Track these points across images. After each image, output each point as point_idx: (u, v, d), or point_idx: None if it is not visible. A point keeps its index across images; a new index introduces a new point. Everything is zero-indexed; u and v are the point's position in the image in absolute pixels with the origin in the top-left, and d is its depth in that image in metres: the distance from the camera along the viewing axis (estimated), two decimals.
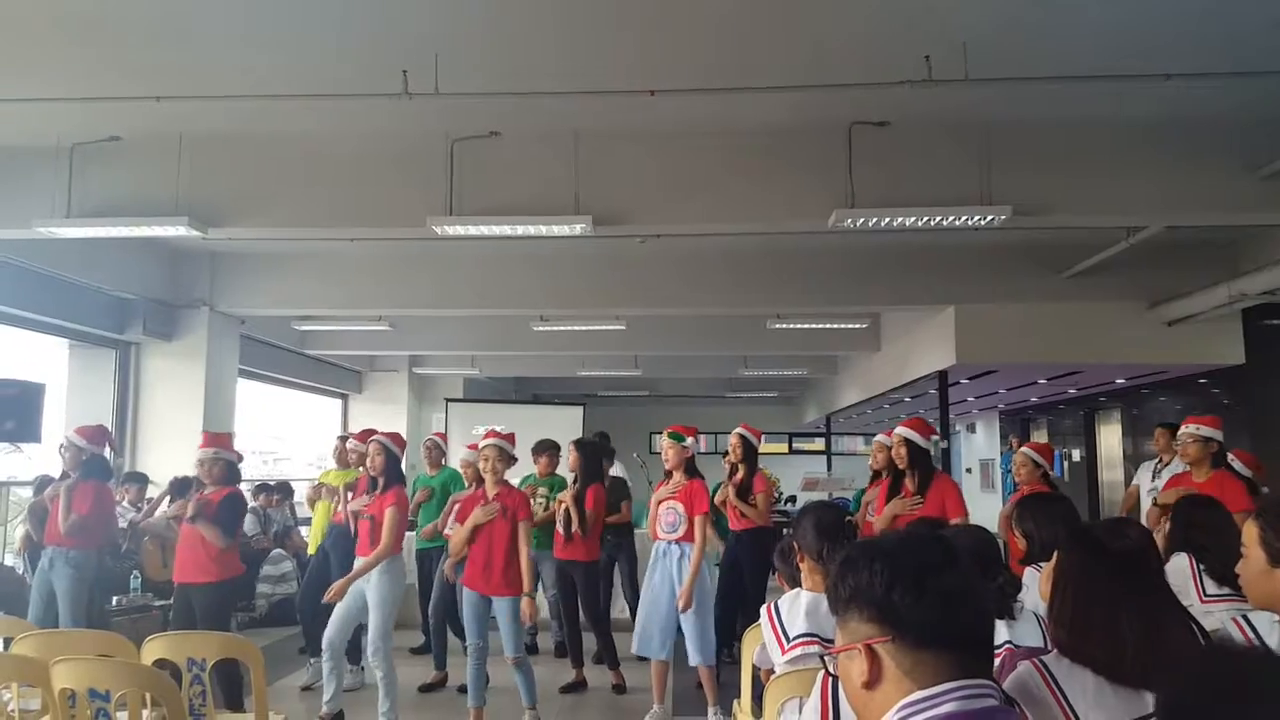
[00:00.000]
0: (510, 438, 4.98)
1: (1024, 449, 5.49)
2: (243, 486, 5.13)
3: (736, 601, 5.81)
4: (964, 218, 5.42)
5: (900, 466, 4.87)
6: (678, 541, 4.92)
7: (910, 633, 1.17)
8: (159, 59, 4.82)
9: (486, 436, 4.89)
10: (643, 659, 6.38)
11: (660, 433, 5.44)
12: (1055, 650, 1.67)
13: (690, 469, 5.05)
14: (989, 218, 5.40)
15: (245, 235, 6.86)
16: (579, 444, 5.96)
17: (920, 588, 1.18)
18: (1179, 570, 3.06)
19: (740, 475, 5.84)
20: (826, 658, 1.29)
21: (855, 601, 1.22)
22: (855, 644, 1.21)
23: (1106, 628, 1.63)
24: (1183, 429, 4.77)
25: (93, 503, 5.39)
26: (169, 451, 8.22)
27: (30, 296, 7.10)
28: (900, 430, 4.89)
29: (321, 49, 4.76)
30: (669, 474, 5.12)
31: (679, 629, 4.93)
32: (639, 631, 5.00)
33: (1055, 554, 1.85)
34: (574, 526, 5.56)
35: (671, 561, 4.92)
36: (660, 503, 5.03)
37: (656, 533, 5.01)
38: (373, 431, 5.28)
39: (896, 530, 1.18)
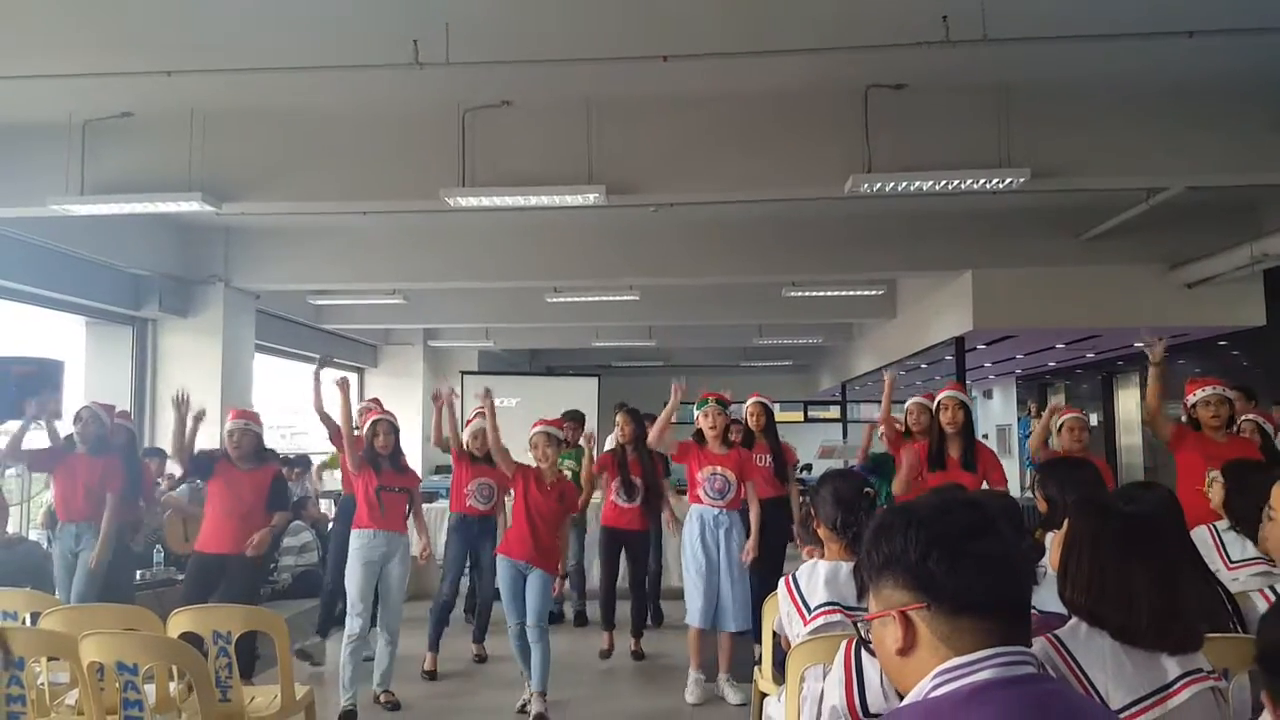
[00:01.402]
0: (558, 423, 5.04)
1: (1076, 414, 5.42)
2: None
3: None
4: (982, 181, 5.34)
5: (952, 431, 4.83)
6: (725, 509, 4.93)
7: (946, 600, 1.15)
8: (169, 33, 4.79)
9: (535, 425, 4.92)
10: (659, 626, 6.48)
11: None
12: (1072, 620, 1.66)
13: (726, 437, 5.09)
14: (1008, 180, 5.33)
15: (259, 210, 6.86)
16: (632, 412, 5.92)
17: (956, 554, 1.16)
18: (1201, 542, 3.04)
19: (762, 445, 5.82)
20: (860, 623, 1.27)
21: (890, 568, 1.20)
22: (890, 611, 1.19)
23: (1120, 589, 1.62)
24: (1211, 390, 4.57)
25: (126, 477, 5.51)
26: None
27: (46, 274, 7.14)
28: (955, 394, 4.86)
29: (331, 20, 4.71)
30: (700, 439, 5.09)
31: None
32: (699, 604, 4.91)
33: (1065, 521, 1.83)
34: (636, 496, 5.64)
35: (721, 531, 4.90)
36: (702, 467, 4.98)
37: (701, 498, 4.96)
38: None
39: (932, 494, 1.16)
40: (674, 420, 5.17)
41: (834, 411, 18.44)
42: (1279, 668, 1.33)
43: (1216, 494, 3.20)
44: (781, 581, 2.56)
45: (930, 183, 5.36)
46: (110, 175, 5.85)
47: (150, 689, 2.99)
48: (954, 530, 1.18)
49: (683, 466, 5.23)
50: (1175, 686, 1.54)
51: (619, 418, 5.91)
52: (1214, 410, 4.56)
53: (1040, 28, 4.67)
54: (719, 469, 4.95)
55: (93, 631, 2.96)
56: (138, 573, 6.29)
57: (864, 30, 4.77)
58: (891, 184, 5.37)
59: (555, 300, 10.27)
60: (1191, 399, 4.65)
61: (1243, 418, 5.28)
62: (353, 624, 4.69)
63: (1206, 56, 5.02)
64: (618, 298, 10.14)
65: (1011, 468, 14.01)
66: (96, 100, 5.63)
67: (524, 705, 4.70)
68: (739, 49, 4.90)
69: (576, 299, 10.26)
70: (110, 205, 5.84)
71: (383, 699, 4.80)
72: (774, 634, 2.86)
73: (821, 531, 2.59)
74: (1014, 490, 5.58)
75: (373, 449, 4.87)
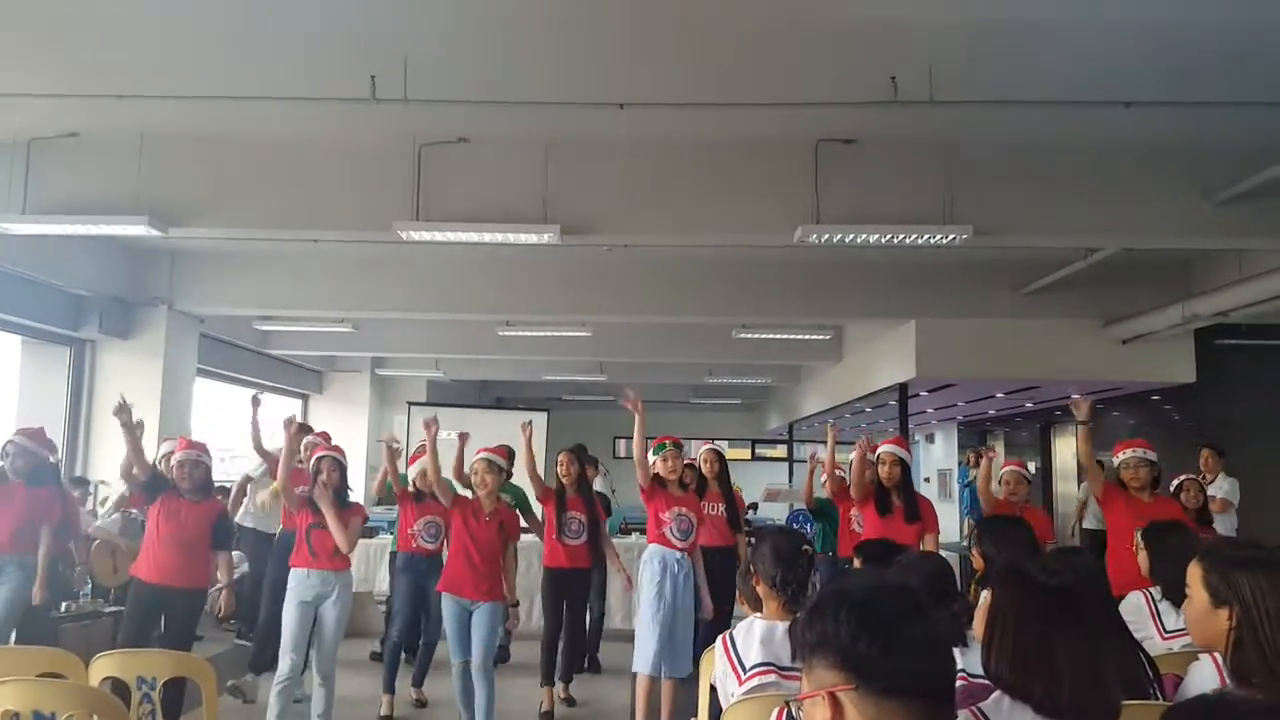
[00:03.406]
0: (501, 451, 4.92)
1: (1015, 467, 5.53)
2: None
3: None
4: (926, 237, 5.49)
5: (890, 485, 4.91)
6: (686, 553, 4.89)
7: (875, 682, 1.17)
8: (122, 56, 4.75)
9: (478, 452, 4.86)
10: (595, 672, 6.32)
11: (623, 437, 5.43)
12: (995, 692, 1.68)
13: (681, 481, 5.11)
14: (950, 237, 5.48)
15: (207, 235, 6.75)
16: (574, 451, 5.88)
17: (887, 638, 1.18)
18: (1137, 608, 3.10)
19: (715, 493, 5.84)
20: (791, 702, 1.29)
21: (821, 649, 1.22)
22: (819, 691, 1.21)
23: (1042, 662, 1.63)
24: (1130, 453, 4.68)
25: (64, 508, 5.35)
26: (122, 452, 8.02)
27: None
28: (893, 449, 4.95)
29: (289, 51, 4.70)
30: (660, 482, 5.01)
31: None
32: (660, 650, 4.76)
33: (989, 591, 1.83)
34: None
35: (682, 575, 4.86)
36: (669, 507, 4.94)
37: (667, 538, 4.88)
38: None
39: (863, 574, 1.17)
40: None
41: (781, 450, 18.64)
42: None
43: (1143, 561, 3.28)
44: (719, 639, 2.57)
45: (876, 236, 5.48)
46: (55, 195, 5.72)
47: None
48: (884, 614, 1.21)
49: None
50: None
51: (561, 456, 5.82)
52: (1134, 472, 4.65)
53: (984, 92, 4.86)
54: (682, 510, 4.94)
55: (9, 679, 2.80)
56: (62, 604, 6.05)
57: (816, 87, 4.91)
58: (839, 236, 5.47)
59: (507, 333, 10.24)
60: (1117, 460, 4.75)
61: (1183, 477, 5.43)
62: (284, 664, 4.54)
63: (1143, 125, 5.25)
64: (570, 333, 10.16)
65: (951, 512, 14.23)
66: (43, 119, 5.52)
67: None
68: (694, 100, 5.01)
69: (529, 333, 10.25)
70: (53, 226, 5.72)
71: None
72: (711, 687, 2.86)
73: (760, 588, 2.60)
74: (952, 536, 5.69)
75: (316, 486, 4.76)
